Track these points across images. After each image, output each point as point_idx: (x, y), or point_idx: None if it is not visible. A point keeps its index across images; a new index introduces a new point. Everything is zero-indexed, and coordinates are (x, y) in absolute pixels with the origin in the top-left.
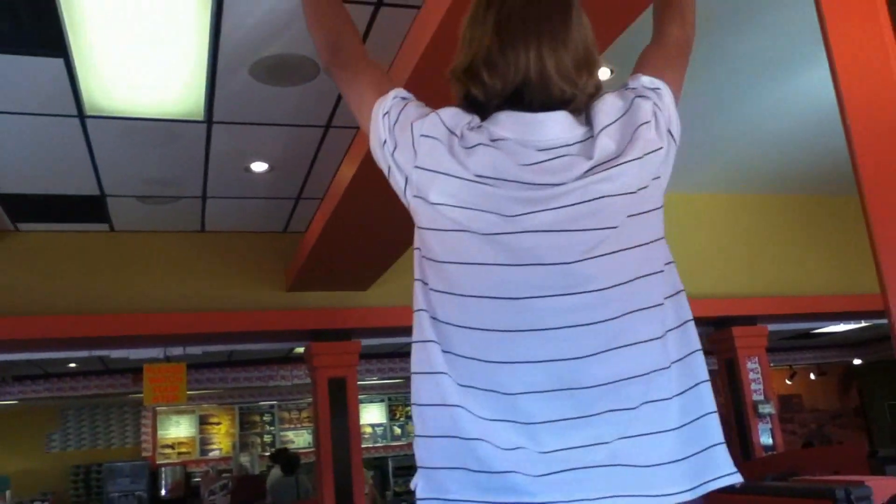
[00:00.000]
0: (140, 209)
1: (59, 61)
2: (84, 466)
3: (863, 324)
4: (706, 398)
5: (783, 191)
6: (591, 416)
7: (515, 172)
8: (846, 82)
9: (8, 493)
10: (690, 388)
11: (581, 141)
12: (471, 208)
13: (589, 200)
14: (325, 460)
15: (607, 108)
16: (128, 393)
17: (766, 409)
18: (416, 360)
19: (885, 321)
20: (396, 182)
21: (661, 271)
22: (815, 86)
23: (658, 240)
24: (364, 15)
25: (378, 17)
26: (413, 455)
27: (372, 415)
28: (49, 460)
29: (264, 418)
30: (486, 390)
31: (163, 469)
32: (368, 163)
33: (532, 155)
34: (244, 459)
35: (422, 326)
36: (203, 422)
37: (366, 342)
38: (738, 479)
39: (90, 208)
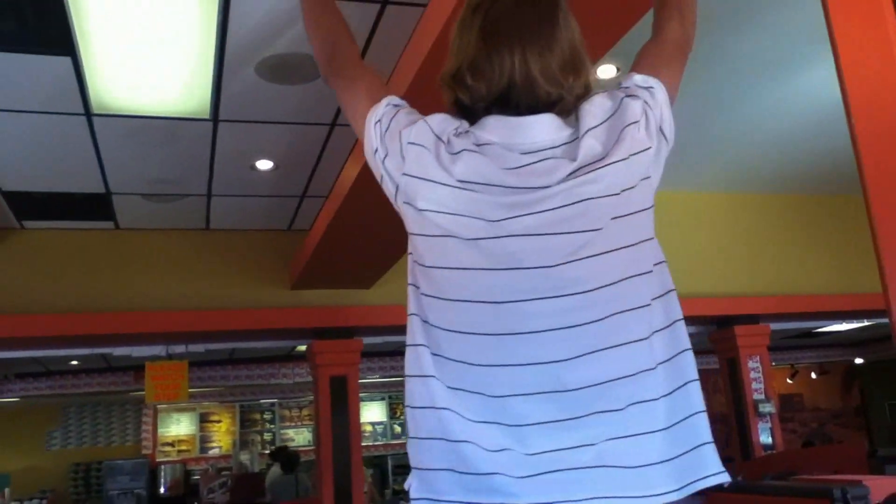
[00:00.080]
0: (145, 207)
1: (67, 60)
2: (84, 464)
3: (865, 323)
4: (694, 397)
5: (783, 191)
6: (578, 417)
7: (500, 177)
8: (851, 81)
9: (7, 490)
10: (679, 387)
11: (567, 143)
12: (456, 214)
13: (573, 203)
14: (325, 458)
15: (595, 109)
16: (129, 390)
17: (767, 408)
18: (409, 364)
19: (886, 320)
20: (388, 189)
21: (650, 272)
22: (815, 86)
23: (646, 240)
24: (370, 14)
25: (384, 16)
26: None
27: (372, 413)
28: (49, 458)
29: (265, 416)
30: (473, 392)
31: (162, 467)
32: None
33: (517, 158)
34: (244, 457)
35: (414, 330)
36: (203, 419)
37: (367, 340)
38: (725, 478)
39: (96, 206)
